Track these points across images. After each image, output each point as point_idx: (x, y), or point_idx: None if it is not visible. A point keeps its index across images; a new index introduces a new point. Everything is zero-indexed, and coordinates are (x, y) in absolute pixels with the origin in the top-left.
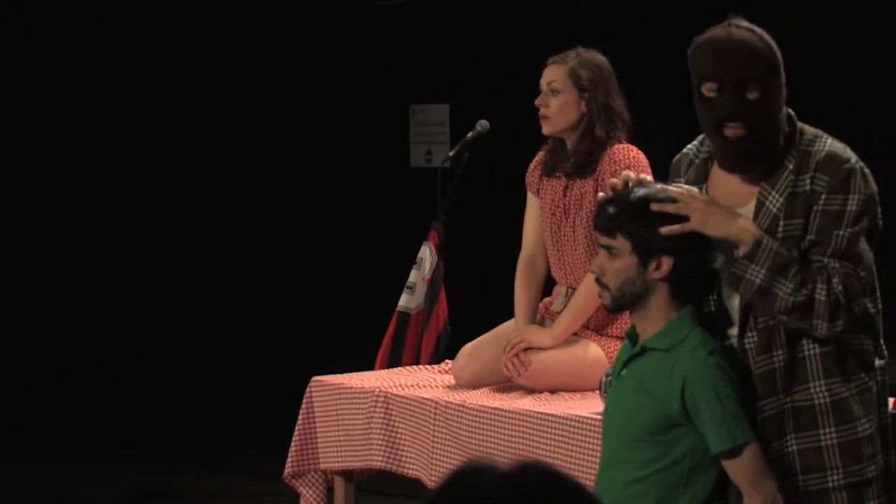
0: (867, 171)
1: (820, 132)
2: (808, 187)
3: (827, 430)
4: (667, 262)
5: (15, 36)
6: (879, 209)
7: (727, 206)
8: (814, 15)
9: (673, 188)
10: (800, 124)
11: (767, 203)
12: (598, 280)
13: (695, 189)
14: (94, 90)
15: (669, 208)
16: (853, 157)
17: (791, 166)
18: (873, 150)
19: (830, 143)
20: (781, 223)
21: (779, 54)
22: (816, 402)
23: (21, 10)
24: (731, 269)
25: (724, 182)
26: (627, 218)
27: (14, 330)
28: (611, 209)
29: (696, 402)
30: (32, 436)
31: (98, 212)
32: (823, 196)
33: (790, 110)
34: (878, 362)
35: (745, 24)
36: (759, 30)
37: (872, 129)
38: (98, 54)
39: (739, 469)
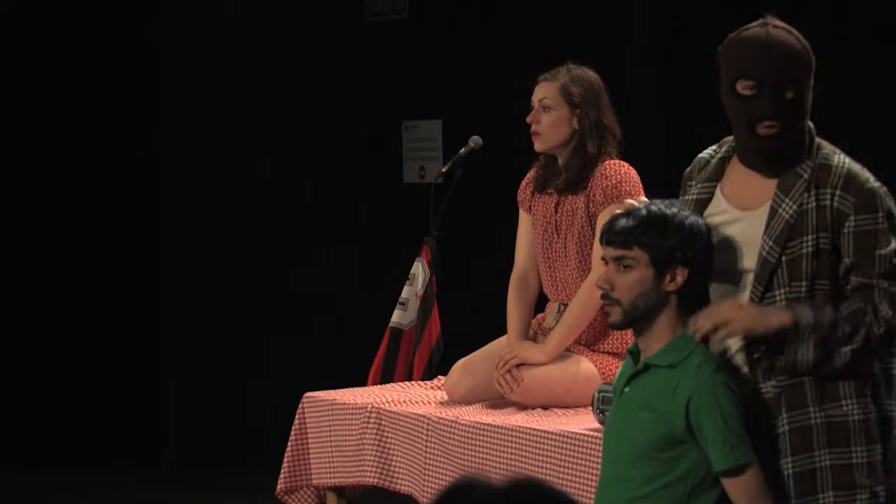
0: (885, 189)
1: (835, 149)
2: (833, 203)
3: (859, 448)
4: (681, 274)
5: (13, 37)
6: None
7: (756, 306)
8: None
9: (703, 321)
10: (817, 139)
11: (780, 210)
12: (606, 296)
13: (714, 307)
14: (92, 94)
15: (708, 328)
16: (871, 176)
17: (806, 175)
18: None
19: (849, 162)
20: (810, 236)
21: (813, 56)
22: (851, 418)
23: (20, 13)
24: (782, 362)
25: (741, 181)
26: (645, 229)
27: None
28: (625, 222)
29: (700, 420)
30: (23, 453)
31: (90, 226)
32: (852, 217)
33: (809, 122)
34: None
35: (781, 23)
36: (795, 31)
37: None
38: (97, 58)
39: (740, 489)
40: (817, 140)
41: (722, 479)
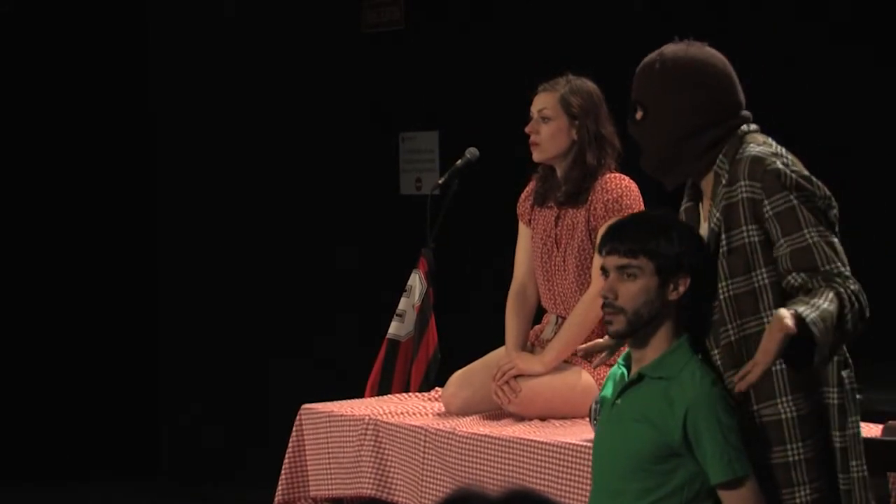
0: (793, 165)
1: (765, 139)
2: (744, 195)
3: (794, 446)
4: (684, 283)
5: (13, 37)
6: (822, 193)
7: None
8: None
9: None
10: (754, 136)
11: (711, 221)
12: (609, 304)
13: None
14: (91, 93)
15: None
16: (775, 156)
17: (724, 179)
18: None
19: (757, 150)
20: (724, 236)
21: (684, 73)
22: (785, 416)
23: (20, 13)
24: (816, 361)
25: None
26: (651, 238)
27: None
28: (630, 230)
29: (698, 432)
30: (18, 466)
31: (87, 238)
32: (765, 202)
33: (745, 125)
34: (845, 372)
35: (678, 45)
36: (675, 50)
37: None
38: (96, 58)
39: (737, 501)
40: (749, 137)
41: (719, 491)
